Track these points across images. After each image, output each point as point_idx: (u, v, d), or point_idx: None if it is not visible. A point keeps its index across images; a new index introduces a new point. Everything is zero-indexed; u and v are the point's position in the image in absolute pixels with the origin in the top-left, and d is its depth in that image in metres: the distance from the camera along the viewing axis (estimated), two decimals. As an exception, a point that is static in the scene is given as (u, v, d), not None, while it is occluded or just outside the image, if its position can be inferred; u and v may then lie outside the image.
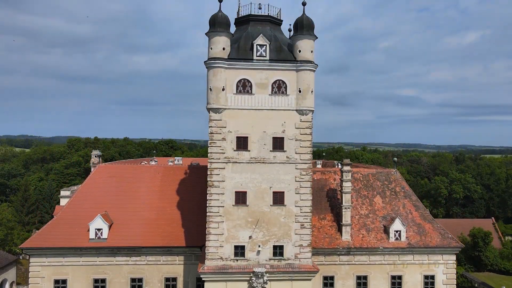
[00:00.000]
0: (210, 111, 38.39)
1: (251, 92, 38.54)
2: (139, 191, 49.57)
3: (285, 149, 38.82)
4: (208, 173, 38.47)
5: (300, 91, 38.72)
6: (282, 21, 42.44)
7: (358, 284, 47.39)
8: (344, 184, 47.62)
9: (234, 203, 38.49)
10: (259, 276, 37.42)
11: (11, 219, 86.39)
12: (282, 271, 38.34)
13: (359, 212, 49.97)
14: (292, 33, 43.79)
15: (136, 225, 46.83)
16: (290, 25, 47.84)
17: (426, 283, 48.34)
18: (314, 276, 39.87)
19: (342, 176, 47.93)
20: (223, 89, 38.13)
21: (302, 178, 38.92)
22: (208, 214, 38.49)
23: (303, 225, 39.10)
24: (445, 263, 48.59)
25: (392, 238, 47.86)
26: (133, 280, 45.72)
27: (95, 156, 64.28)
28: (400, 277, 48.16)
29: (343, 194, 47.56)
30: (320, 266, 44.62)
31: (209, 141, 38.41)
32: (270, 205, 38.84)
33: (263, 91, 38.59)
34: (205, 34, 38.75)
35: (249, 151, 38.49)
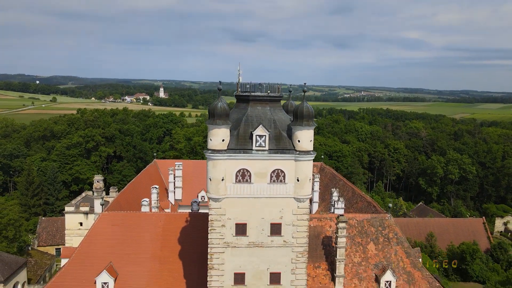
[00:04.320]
0: (210, 200, 39.23)
1: (250, 181, 39.08)
2: (142, 240, 51.49)
3: (282, 234, 40.21)
4: (209, 256, 40.23)
5: (298, 180, 39.25)
6: (282, 96, 41.75)
7: (348, 327, 51.01)
8: (339, 239, 49.42)
9: (233, 283, 40.66)
10: None
11: (18, 218, 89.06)
12: None
13: (352, 260, 52.34)
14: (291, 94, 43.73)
15: (141, 276, 49.30)
16: (290, 85, 47.27)
17: (411, 326, 51.99)
18: None
19: (337, 231, 49.63)
20: (222, 179, 38.64)
21: (298, 260, 40.75)
22: (208, 293, 40.80)
23: (298, 302, 41.54)
24: (431, 310, 51.87)
25: (382, 288, 50.70)
26: (139, 326, 49.15)
27: (97, 181, 65.74)
28: (388, 321, 51.67)
29: (338, 249, 49.59)
30: (313, 313, 48.16)
31: (209, 228, 39.67)
32: (267, 285, 41.05)
33: (262, 180, 39.12)
34: (205, 123, 38.44)
35: (247, 236, 39.88)
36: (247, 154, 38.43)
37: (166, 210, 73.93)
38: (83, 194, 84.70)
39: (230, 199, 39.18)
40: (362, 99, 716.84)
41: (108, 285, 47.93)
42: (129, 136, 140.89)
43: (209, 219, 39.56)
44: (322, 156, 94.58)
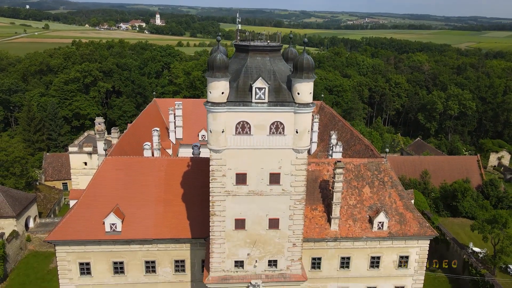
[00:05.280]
0: (211, 151, 40.12)
1: (250, 133, 39.63)
2: (146, 184, 53.35)
3: (281, 183, 41.66)
4: (210, 204, 42.08)
5: (297, 132, 39.81)
6: (281, 45, 40.86)
7: (342, 263, 54.81)
8: (336, 184, 51.30)
9: (234, 228, 42.98)
10: (256, 286, 44.11)
11: (24, 155, 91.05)
12: (276, 280, 44.93)
13: (348, 202, 54.69)
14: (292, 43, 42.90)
15: (146, 218, 51.89)
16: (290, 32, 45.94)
17: (400, 262, 55.83)
18: (303, 283, 46.56)
19: (334, 177, 51.31)
20: (222, 131, 39.21)
21: (295, 207, 42.68)
22: (211, 237, 43.31)
23: (295, 244, 44.30)
24: (419, 246, 55.37)
25: (375, 228, 53.58)
26: (147, 262, 52.70)
27: (99, 124, 66.39)
28: (378, 257, 55.28)
29: (334, 193, 51.66)
30: (309, 250, 51.94)
31: (210, 177, 41.02)
32: (266, 229, 43.39)
33: (261, 132, 39.65)
34: (204, 75, 38.04)
35: (247, 185, 41.39)
36: (247, 107, 38.57)
37: (168, 150, 75.49)
38: (85, 134, 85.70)
39: (230, 150, 40.06)
40: (365, 26, 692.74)
41: (116, 226, 50.55)
42: (127, 71, 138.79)
43: (210, 169, 40.76)
44: (322, 95, 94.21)
